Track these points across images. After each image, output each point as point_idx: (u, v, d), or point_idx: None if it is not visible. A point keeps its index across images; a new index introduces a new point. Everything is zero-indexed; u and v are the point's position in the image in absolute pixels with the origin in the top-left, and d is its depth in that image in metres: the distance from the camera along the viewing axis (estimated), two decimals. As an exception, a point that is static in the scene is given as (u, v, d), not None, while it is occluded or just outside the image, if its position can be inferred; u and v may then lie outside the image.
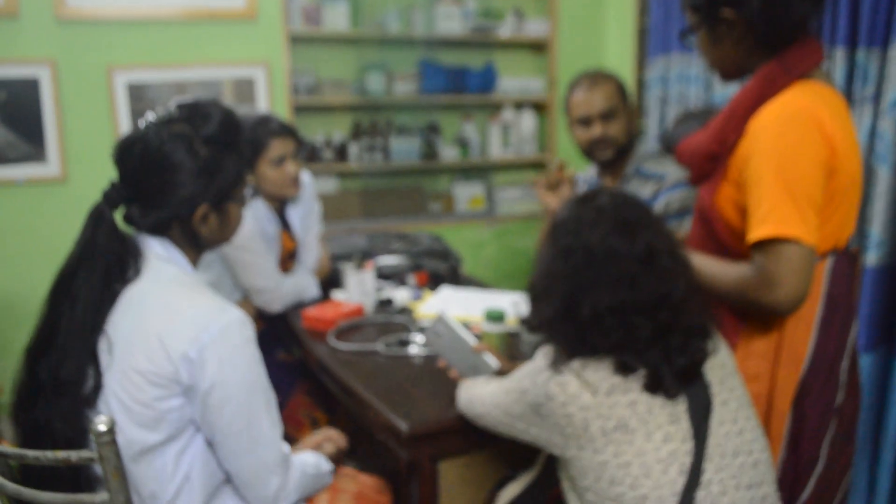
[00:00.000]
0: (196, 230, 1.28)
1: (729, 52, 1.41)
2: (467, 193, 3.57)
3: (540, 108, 3.63)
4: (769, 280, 1.26)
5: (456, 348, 1.53)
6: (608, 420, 1.08)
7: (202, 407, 1.19)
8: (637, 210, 1.17)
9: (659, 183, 2.04)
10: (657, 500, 1.05)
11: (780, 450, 1.37)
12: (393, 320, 1.99)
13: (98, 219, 1.23)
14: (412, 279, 2.27)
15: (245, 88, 2.92)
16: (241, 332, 1.21)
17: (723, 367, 1.18)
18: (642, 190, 2.06)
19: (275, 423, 1.27)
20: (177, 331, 1.17)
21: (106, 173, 1.27)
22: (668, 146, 2.26)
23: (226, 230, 1.33)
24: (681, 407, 1.10)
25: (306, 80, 3.15)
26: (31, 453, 1.04)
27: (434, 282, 2.36)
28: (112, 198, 1.24)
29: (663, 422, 1.09)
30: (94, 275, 1.19)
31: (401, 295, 2.15)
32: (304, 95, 3.14)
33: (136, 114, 2.77)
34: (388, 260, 2.31)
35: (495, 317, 1.70)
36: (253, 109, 2.95)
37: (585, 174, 2.29)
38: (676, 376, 1.10)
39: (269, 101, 2.97)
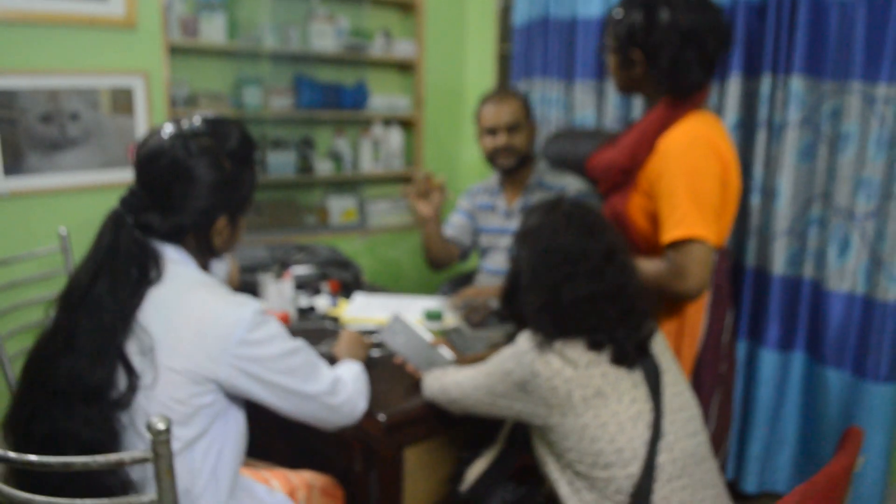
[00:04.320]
0: (211, 240, 1.33)
1: (636, 78, 1.72)
2: (340, 206, 3.67)
3: (406, 124, 3.82)
4: (681, 272, 1.56)
5: (413, 345, 1.67)
6: (587, 388, 1.30)
7: (258, 386, 1.28)
8: (595, 215, 1.41)
9: (561, 194, 2.33)
10: (631, 451, 1.29)
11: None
12: (325, 326, 2.08)
13: (118, 224, 1.25)
14: (326, 287, 2.36)
15: (123, 98, 2.81)
16: (266, 315, 1.30)
17: (659, 344, 1.45)
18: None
19: (316, 365, 1.38)
20: (215, 327, 1.22)
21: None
22: (564, 161, 2.58)
23: (234, 240, 1.40)
24: (638, 375, 1.35)
25: (183, 91, 3.09)
26: (78, 460, 1.04)
27: (344, 290, 2.46)
28: (131, 204, 1.27)
29: (628, 387, 1.33)
30: (119, 279, 1.21)
31: (321, 302, 2.24)
32: (181, 107, 3.08)
33: (6, 122, 2.57)
34: (302, 270, 2.38)
35: (434, 316, 1.87)
36: (132, 120, 2.85)
37: (487, 183, 2.53)
38: (635, 350, 1.35)
39: (148, 111, 2.89)
